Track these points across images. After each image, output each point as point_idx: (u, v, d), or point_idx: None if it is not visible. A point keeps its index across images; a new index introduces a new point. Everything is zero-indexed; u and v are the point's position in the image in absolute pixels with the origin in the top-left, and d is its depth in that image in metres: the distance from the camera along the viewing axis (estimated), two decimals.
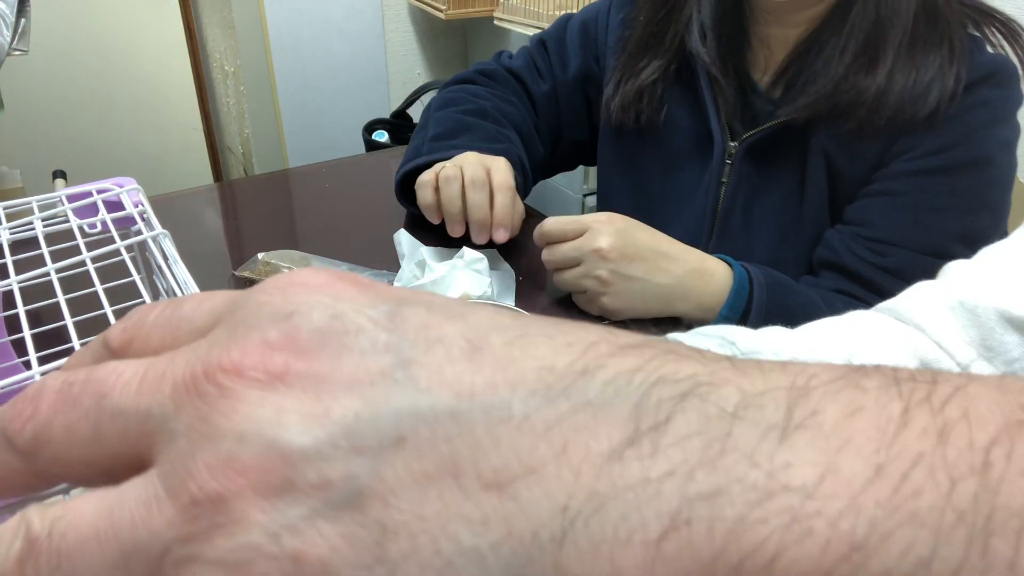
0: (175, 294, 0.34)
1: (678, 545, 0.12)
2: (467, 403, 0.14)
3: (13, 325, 0.46)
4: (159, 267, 0.39)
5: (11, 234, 0.37)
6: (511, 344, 0.15)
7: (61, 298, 0.36)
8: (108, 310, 0.40)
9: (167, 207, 0.95)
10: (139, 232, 0.41)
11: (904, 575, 0.12)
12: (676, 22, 0.82)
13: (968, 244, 0.73)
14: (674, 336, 0.42)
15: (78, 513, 0.15)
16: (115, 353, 0.18)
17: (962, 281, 0.43)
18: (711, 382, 0.14)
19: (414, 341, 0.15)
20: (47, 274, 0.35)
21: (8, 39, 1.46)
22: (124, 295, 0.44)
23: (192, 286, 0.34)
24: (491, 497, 0.13)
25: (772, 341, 0.43)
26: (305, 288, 0.16)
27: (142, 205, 0.41)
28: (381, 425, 0.14)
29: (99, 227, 0.40)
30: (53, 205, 0.43)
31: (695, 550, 0.12)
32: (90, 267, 0.36)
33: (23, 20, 1.55)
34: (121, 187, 0.42)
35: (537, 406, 0.14)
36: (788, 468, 0.13)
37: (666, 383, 0.14)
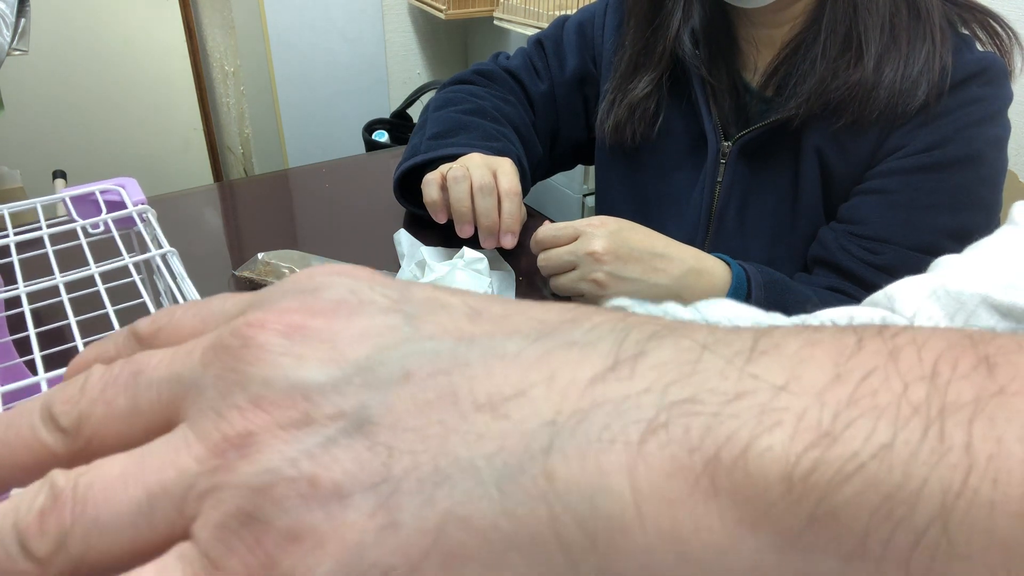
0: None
1: (657, 445, 0.14)
2: (466, 345, 0.16)
3: (13, 325, 0.47)
4: (158, 268, 0.39)
5: (17, 236, 0.38)
6: (508, 309, 0.17)
7: (65, 297, 0.37)
8: (110, 309, 0.40)
9: (167, 207, 0.95)
10: (139, 233, 0.41)
11: (869, 456, 0.13)
12: (664, 38, 0.83)
13: (960, 241, 0.73)
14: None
15: (106, 465, 0.16)
16: (143, 340, 0.20)
17: (948, 270, 0.44)
18: (685, 327, 0.16)
19: (420, 308, 0.17)
20: (54, 278, 0.36)
21: (8, 39, 1.46)
22: (125, 295, 0.45)
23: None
24: (485, 416, 0.15)
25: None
26: (327, 273, 0.18)
27: (145, 205, 0.41)
28: (389, 364, 0.16)
29: (101, 227, 0.41)
30: (56, 206, 0.44)
31: (674, 448, 0.14)
32: (100, 284, 0.37)
33: (23, 20, 1.55)
34: (123, 187, 0.43)
35: (528, 345, 0.16)
36: (755, 378, 0.14)
37: (644, 327, 0.16)
